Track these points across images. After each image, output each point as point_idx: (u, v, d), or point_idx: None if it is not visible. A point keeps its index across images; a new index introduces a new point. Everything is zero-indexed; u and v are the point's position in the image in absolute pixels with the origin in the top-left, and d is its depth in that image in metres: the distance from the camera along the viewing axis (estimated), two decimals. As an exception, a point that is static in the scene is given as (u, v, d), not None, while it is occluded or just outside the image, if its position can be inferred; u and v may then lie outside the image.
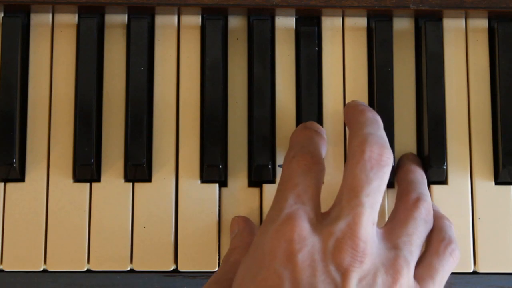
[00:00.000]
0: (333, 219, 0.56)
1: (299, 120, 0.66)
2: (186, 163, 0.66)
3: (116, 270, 0.65)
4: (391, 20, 0.67)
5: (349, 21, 0.68)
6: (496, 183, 0.66)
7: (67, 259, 0.64)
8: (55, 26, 0.67)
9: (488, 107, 0.67)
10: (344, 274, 0.54)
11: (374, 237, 0.57)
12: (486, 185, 0.66)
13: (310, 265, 0.54)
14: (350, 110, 0.63)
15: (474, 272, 0.65)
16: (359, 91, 0.67)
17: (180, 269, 0.65)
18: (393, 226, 0.59)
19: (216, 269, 0.65)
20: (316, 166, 0.60)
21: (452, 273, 0.64)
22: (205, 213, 0.65)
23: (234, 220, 0.65)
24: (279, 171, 0.66)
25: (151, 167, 0.66)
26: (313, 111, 0.65)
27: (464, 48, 0.68)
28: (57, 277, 0.65)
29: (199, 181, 0.66)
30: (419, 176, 0.63)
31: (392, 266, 0.56)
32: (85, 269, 0.65)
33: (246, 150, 0.66)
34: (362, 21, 0.68)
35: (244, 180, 0.66)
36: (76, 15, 0.67)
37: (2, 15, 0.67)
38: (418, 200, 0.60)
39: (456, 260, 0.60)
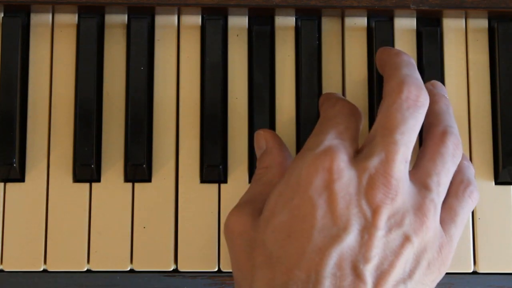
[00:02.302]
0: (367, 154, 0.57)
1: (299, 120, 0.66)
2: (186, 163, 0.66)
3: (116, 270, 0.65)
4: (391, 20, 0.67)
5: (349, 21, 0.68)
6: (496, 183, 0.66)
7: (67, 259, 0.64)
8: (55, 26, 0.67)
9: (488, 107, 0.67)
10: (375, 210, 0.55)
11: (406, 176, 0.57)
12: (486, 185, 0.66)
13: (344, 197, 0.55)
14: (384, 52, 0.64)
15: (474, 272, 0.65)
16: (359, 91, 0.67)
17: (180, 269, 0.65)
18: (422, 164, 0.59)
19: (216, 269, 0.65)
20: (358, 113, 0.61)
21: (452, 273, 0.64)
22: (205, 213, 0.65)
23: (260, 135, 0.64)
24: (279, 171, 0.66)
25: (151, 167, 0.66)
26: (313, 111, 0.65)
27: (464, 48, 0.68)
28: (57, 277, 0.65)
29: (199, 181, 0.66)
30: (444, 106, 0.63)
31: (420, 209, 0.57)
32: (85, 269, 0.64)
33: (246, 150, 0.66)
34: (362, 21, 0.68)
35: (245, 180, 0.66)
36: (76, 15, 0.67)
37: (2, 15, 0.67)
38: (444, 134, 0.60)
39: (475, 201, 0.61)
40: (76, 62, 0.66)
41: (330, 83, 0.67)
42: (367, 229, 0.55)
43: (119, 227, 0.65)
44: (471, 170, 0.62)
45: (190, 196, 0.65)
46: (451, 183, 0.60)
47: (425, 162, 0.59)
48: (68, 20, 0.67)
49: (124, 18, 0.68)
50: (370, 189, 0.56)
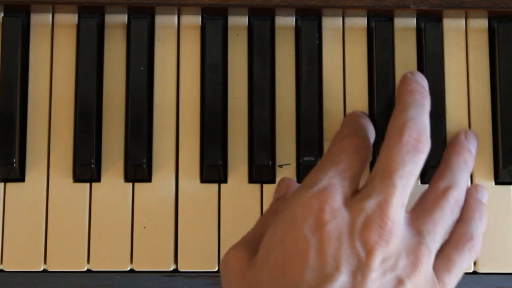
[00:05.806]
0: (364, 196, 0.57)
1: (299, 120, 0.66)
2: (186, 163, 0.66)
3: (116, 270, 0.65)
4: (391, 20, 0.67)
5: (349, 21, 0.68)
6: (496, 183, 0.66)
7: (67, 259, 0.64)
8: (55, 26, 0.67)
9: (488, 107, 0.67)
10: (370, 251, 0.55)
11: (402, 219, 0.57)
12: (486, 185, 0.66)
13: (337, 238, 0.55)
14: (402, 83, 0.63)
15: (474, 272, 0.65)
16: (359, 91, 0.67)
17: (180, 269, 0.65)
18: (419, 211, 0.59)
19: (216, 269, 0.65)
20: (365, 150, 0.61)
21: (452, 273, 0.64)
22: (205, 213, 0.65)
23: (283, 181, 0.64)
24: (279, 171, 0.66)
25: (151, 167, 0.66)
26: (313, 111, 0.65)
27: (464, 48, 0.68)
28: (57, 277, 0.65)
29: (199, 181, 0.66)
30: (462, 162, 0.62)
31: (414, 253, 0.56)
32: (85, 269, 0.65)
33: (246, 150, 0.66)
34: (362, 21, 0.68)
35: (245, 180, 0.66)
36: (76, 15, 0.67)
37: (2, 15, 0.67)
38: (448, 189, 0.60)
39: (474, 256, 0.61)
40: (76, 62, 0.67)
41: (330, 84, 0.67)
42: (361, 270, 0.54)
43: (119, 227, 0.65)
44: (479, 224, 0.61)
45: (190, 196, 0.65)
46: (454, 232, 0.60)
47: (424, 210, 0.59)
48: (68, 20, 0.67)
49: (124, 18, 0.68)
50: (366, 229, 0.55)
